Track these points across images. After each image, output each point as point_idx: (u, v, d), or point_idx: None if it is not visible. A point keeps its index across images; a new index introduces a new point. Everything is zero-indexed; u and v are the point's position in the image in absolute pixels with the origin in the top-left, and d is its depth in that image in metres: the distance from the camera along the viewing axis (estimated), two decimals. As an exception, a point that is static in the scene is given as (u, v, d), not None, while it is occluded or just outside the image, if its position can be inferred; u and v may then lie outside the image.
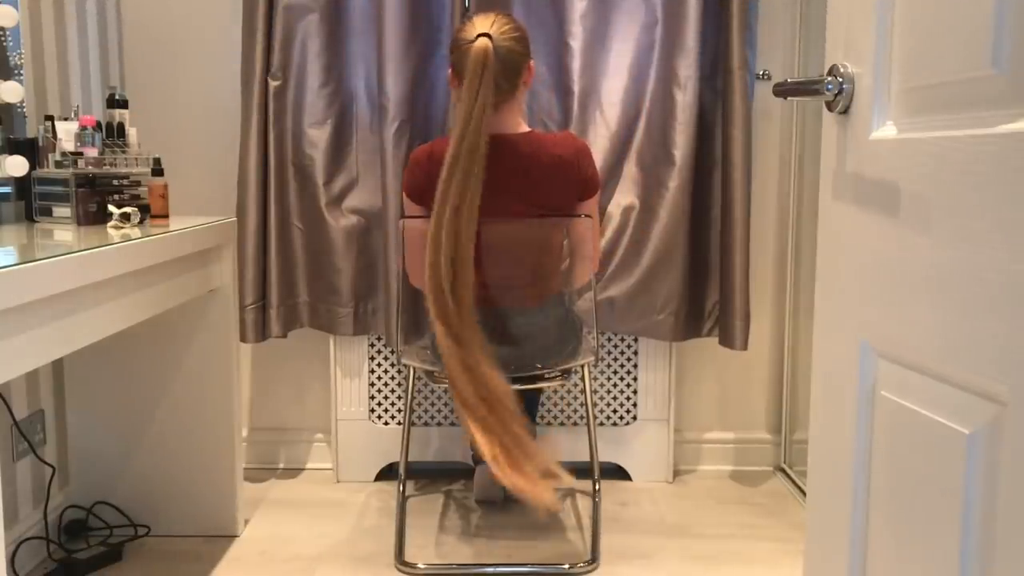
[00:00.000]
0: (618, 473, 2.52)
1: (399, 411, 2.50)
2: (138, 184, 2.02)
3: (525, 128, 1.93)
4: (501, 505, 2.32)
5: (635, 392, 2.49)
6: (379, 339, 2.47)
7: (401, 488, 2.07)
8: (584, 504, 2.34)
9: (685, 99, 2.28)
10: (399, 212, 2.26)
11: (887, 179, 1.00)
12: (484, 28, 1.81)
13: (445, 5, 2.31)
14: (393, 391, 2.49)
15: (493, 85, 1.78)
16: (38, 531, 1.98)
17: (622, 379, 2.49)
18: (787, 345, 2.56)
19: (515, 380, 1.99)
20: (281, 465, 2.62)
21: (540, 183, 1.89)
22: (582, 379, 2.14)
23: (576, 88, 2.33)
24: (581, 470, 2.46)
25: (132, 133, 2.02)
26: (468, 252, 1.77)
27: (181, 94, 2.47)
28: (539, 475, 1.73)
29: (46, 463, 2.02)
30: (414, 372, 2.10)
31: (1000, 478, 0.82)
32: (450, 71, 1.90)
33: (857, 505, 1.08)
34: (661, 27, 2.30)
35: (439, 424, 2.50)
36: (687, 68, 2.27)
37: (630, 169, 2.37)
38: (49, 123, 1.91)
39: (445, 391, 2.48)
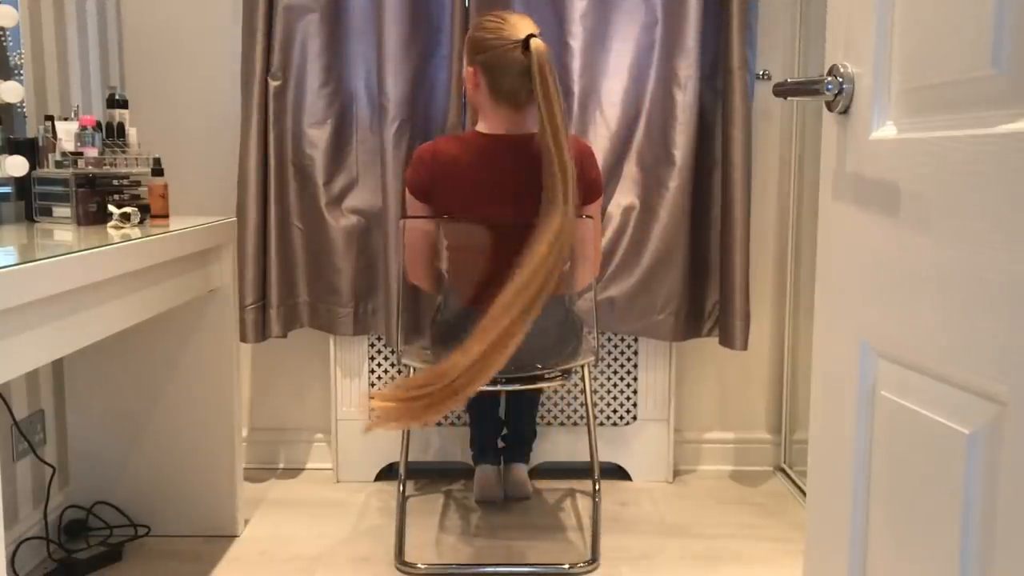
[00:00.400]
0: (618, 473, 2.52)
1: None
2: (138, 184, 2.01)
3: (533, 129, 1.93)
4: (501, 505, 2.32)
5: (635, 392, 2.49)
6: (379, 339, 2.47)
7: (401, 488, 2.07)
8: (584, 504, 2.34)
9: (685, 99, 2.28)
10: (399, 212, 2.26)
11: (887, 179, 1.00)
12: (531, 28, 1.79)
13: (445, 5, 2.31)
14: (393, 391, 2.49)
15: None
16: (38, 531, 1.98)
17: (622, 379, 2.49)
18: (787, 345, 2.56)
19: (515, 380, 2.00)
20: (281, 465, 2.62)
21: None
22: (582, 379, 2.14)
23: (576, 88, 2.33)
24: (581, 470, 2.47)
25: (132, 133, 2.02)
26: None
27: (181, 94, 2.47)
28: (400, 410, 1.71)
29: (46, 463, 2.02)
30: (414, 372, 2.10)
31: (1000, 478, 0.82)
32: (471, 70, 1.86)
33: (857, 505, 1.08)
34: (661, 27, 2.30)
35: (439, 424, 2.50)
36: (687, 68, 2.27)
37: (630, 169, 2.37)
38: (49, 123, 1.91)
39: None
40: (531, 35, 1.77)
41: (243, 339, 2.33)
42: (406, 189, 1.97)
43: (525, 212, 1.82)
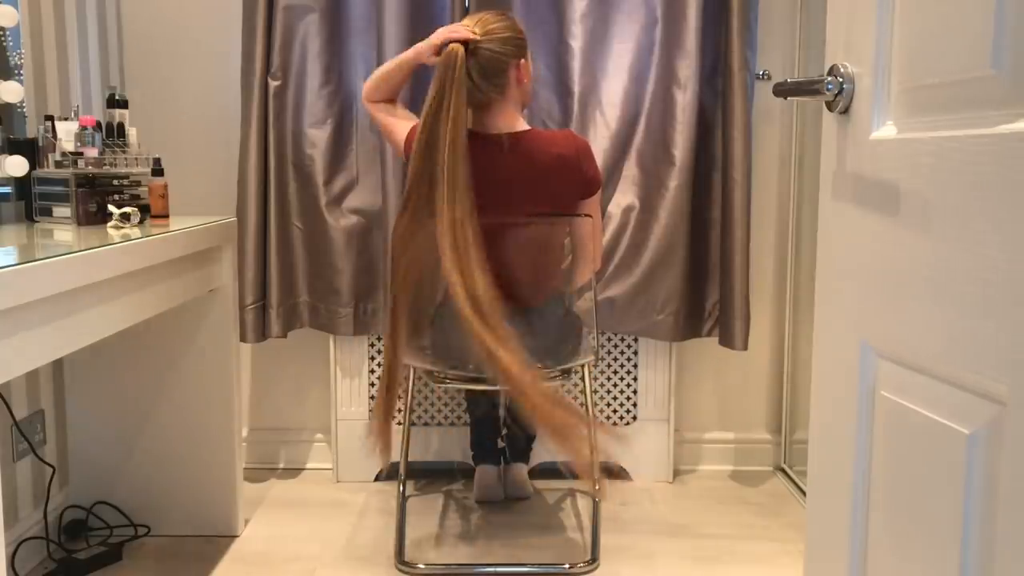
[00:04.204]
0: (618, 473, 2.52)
1: (399, 411, 2.50)
2: (138, 184, 2.02)
3: (524, 126, 1.92)
4: (501, 505, 2.32)
5: (635, 392, 2.49)
6: (379, 339, 2.47)
7: (401, 488, 2.07)
8: (584, 504, 2.34)
9: (685, 99, 2.28)
10: (399, 212, 2.26)
11: (887, 179, 1.00)
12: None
13: (445, 5, 2.31)
14: (393, 391, 2.49)
15: (465, 90, 1.79)
16: (38, 531, 1.98)
17: (622, 379, 2.49)
18: (787, 345, 2.56)
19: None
20: (281, 465, 2.62)
21: (540, 182, 1.89)
22: (582, 379, 2.14)
23: (576, 88, 2.33)
24: (581, 470, 2.47)
25: (132, 133, 2.02)
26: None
27: (181, 94, 2.47)
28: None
29: (46, 463, 2.02)
30: (414, 372, 2.10)
31: (1000, 478, 0.82)
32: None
33: (857, 505, 1.08)
34: (661, 27, 2.30)
35: (439, 424, 2.50)
36: (687, 68, 2.27)
37: (630, 169, 2.37)
38: (49, 123, 1.91)
39: (445, 391, 2.48)
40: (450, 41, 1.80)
41: (243, 339, 2.33)
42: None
43: (505, 210, 1.86)
